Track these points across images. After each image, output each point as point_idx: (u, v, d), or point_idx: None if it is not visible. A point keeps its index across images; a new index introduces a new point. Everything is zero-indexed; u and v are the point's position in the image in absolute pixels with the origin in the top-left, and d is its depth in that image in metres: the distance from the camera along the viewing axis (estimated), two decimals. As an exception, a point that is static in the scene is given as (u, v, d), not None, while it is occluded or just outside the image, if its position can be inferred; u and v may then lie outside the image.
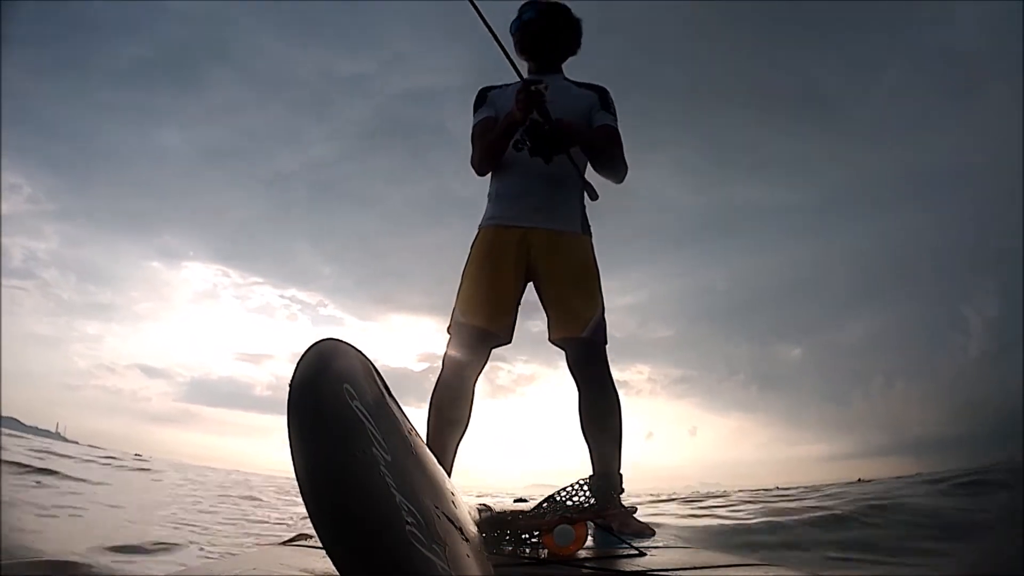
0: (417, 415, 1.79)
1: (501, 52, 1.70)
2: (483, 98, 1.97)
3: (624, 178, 1.91)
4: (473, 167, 1.91)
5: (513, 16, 1.93)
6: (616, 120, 1.90)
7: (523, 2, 1.93)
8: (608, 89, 1.93)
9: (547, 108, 1.72)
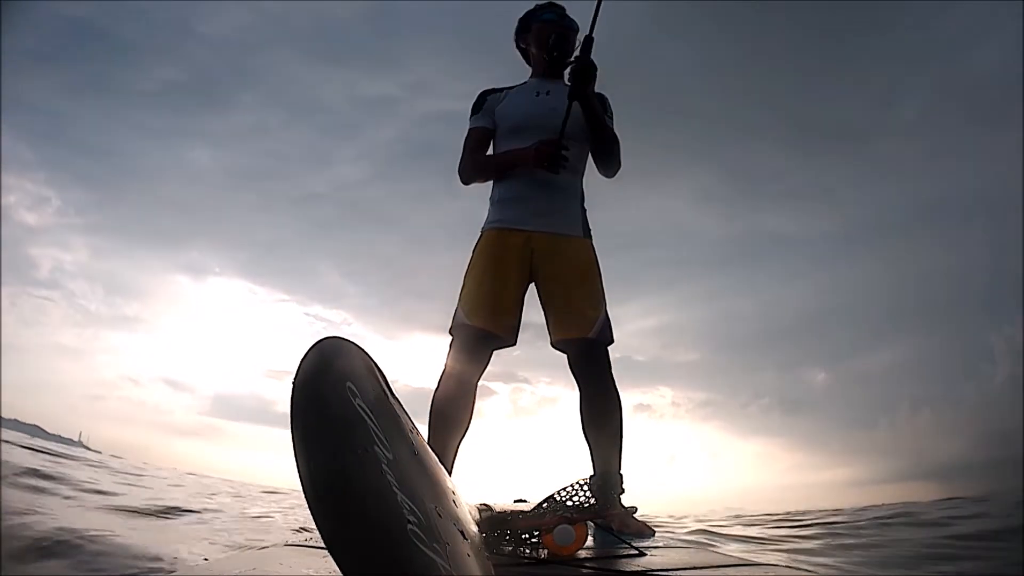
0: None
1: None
2: (481, 103, 1.97)
3: (616, 174, 1.93)
4: (460, 175, 1.93)
5: (506, 15, 1.95)
6: (613, 123, 1.93)
7: (536, 3, 1.95)
8: (606, 96, 1.95)
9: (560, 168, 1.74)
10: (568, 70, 1.79)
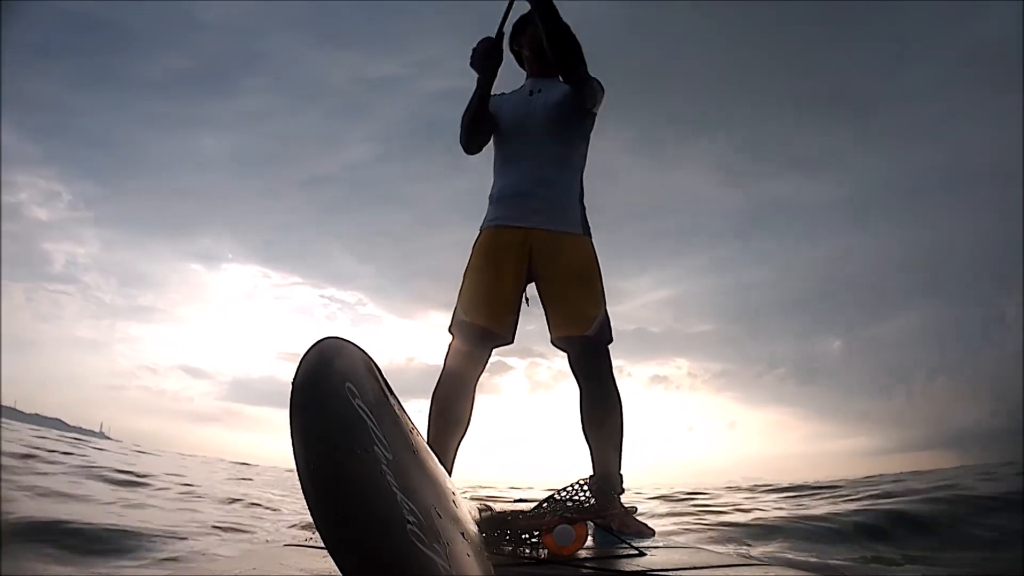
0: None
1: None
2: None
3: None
4: (461, 142, 1.91)
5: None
6: (601, 101, 1.88)
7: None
8: (598, 79, 1.92)
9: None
10: None
